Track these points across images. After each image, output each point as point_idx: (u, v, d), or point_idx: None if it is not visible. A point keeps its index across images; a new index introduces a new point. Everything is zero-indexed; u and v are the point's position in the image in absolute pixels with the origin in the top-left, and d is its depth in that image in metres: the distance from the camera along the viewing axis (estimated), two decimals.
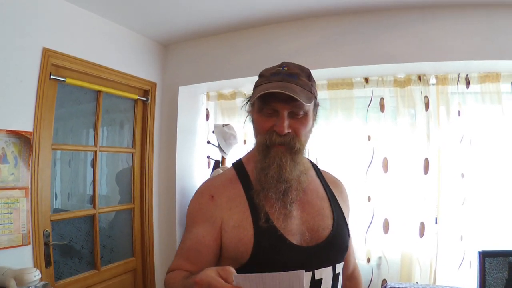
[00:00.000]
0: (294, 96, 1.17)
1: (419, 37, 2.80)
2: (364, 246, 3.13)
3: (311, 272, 1.19)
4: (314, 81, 1.31)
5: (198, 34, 3.49)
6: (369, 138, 3.19)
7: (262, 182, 1.24)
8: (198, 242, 1.24)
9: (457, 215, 2.91)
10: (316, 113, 1.35)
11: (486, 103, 2.89)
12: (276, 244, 1.19)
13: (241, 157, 1.43)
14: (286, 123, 1.20)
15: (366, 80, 3.20)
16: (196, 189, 1.39)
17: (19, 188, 2.43)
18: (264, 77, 1.27)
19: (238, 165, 1.39)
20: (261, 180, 1.24)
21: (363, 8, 2.90)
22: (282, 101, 1.19)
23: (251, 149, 1.38)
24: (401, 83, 3.10)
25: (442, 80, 2.99)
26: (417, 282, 2.92)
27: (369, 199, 3.15)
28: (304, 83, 1.24)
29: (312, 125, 1.33)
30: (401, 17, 2.85)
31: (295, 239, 1.22)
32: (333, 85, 3.29)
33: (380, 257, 3.11)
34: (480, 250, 2.56)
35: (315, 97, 1.30)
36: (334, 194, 1.41)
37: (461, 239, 2.88)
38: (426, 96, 3.02)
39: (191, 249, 1.25)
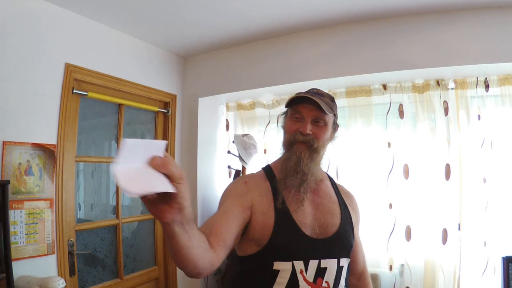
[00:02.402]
0: (317, 100, 1.43)
1: (436, 42, 2.78)
2: (387, 254, 3.10)
3: (317, 261, 1.38)
4: (336, 105, 1.58)
5: (216, 46, 3.55)
6: (389, 145, 3.17)
7: (283, 171, 1.49)
8: (227, 218, 1.36)
9: (480, 220, 2.85)
10: (335, 130, 1.59)
11: (506, 106, 2.84)
12: (291, 233, 1.40)
13: (269, 163, 1.65)
14: (308, 126, 1.46)
15: (384, 86, 3.19)
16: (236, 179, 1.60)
17: (44, 199, 2.52)
18: (298, 94, 1.53)
19: (267, 169, 1.61)
20: (283, 169, 1.49)
21: (378, 15, 2.90)
22: (307, 109, 1.47)
23: (280, 157, 1.60)
24: (420, 89, 3.08)
25: (461, 84, 2.95)
26: None
27: (390, 206, 3.11)
28: (327, 102, 1.49)
29: (330, 138, 1.57)
30: (417, 22, 2.84)
31: (307, 230, 1.42)
32: (351, 92, 3.29)
33: (402, 265, 3.07)
34: (504, 255, 2.51)
35: (335, 115, 1.56)
36: (345, 202, 1.60)
37: (485, 245, 2.81)
38: (445, 101, 2.99)
39: (218, 220, 1.34)
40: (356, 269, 1.66)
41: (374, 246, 3.13)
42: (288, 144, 1.51)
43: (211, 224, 1.32)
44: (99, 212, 3.21)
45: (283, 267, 1.36)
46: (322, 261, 1.39)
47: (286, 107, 1.59)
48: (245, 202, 1.43)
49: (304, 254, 1.38)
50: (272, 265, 1.37)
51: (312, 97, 1.45)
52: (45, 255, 2.48)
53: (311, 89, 1.57)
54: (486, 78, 2.89)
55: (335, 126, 1.59)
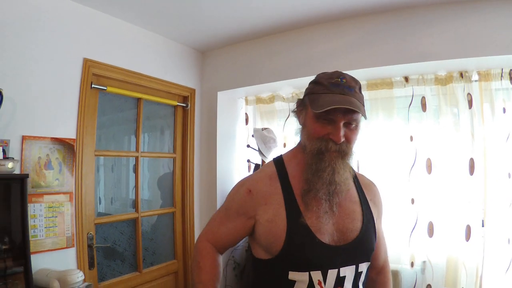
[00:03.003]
0: (357, 111, 1.28)
1: (459, 32, 2.68)
2: (408, 250, 3.04)
3: (336, 270, 1.29)
4: (363, 96, 1.40)
5: (234, 40, 3.53)
6: (411, 138, 3.09)
7: (313, 183, 1.33)
8: (231, 233, 1.45)
9: (505, 217, 2.75)
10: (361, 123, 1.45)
11: None
12: (306, 241, 1.29)
13: (282, 154, 1.52)
14: (342, 133, 1.30)
15: (406, 79, 3.11)
16: (242, 179, 1.53)
17: (64, 193, 2.55)
18: (323, 85, 1.34)
19: (279, 163, 1.47)
20: (313, 181, 1.33)
21: (398, 6, 2.82)
22: (341, 112, 1.28)
23: (293, 148, 1.50)
24: (443, 81, 2.99)
25: (485, 76, 2.85)
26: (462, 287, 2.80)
27: (412, 201, 3.05)
28: (360, 97, 1.34)
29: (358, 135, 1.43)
30: (439, 12, 2.75)
31: (324, 238, 1.30)
32: (372, 85, 3.22)
33: (424, 262, 3.00)
34: None
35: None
36: (366, 198, 1.48)
37: (509, 242, 2.72)
38: (469, 94, 2.89)
39: (224, 236, 1.46)
40: (377, 263, 1.56)
41: (396, 242, 3.07)
42: (318, 153, 1.33)
43: (215, 232, 1.48)
44: (119, 206, 3.24)
45: (299, 278, 1.28)
46: (341, 269, 1.30)
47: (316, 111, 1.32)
48: (247, 213, 1.39)
49: (322, 263, 1.29)
50: (287, 275, 1.29)
51: (352, 107, 1.26)
52: (64, 248, 2.52)
53: (340, 76, 1.34)
54: (510, 70, 2.77)
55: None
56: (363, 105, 1.34)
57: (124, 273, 3.04)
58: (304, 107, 1.41)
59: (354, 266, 1.33)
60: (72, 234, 2.58)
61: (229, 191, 1.53)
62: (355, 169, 2.92)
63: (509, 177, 2.76)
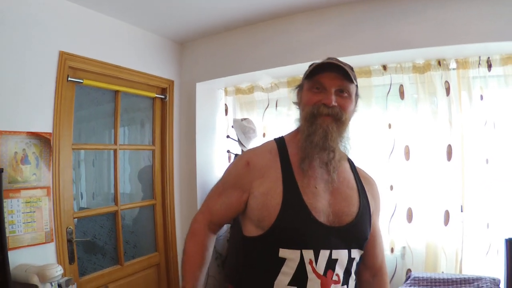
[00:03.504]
0: (343, 67, 1.30)
1: (437, 20, 2.70)
2: (388, 236, 3.07)
3: (329, 251, 1.26)
4: (355, 75, 1.41)
5: (214, 30, 3.50)
6: (389, 126, 3.12)
7: (307, 149, 1.32)
8: (227, 208, 1.43)
9: (483, 202, 2.81)
10: (357, 103, 1.44)
11: (509, 86, 2.77)
12: (300, 216, 1.27)
13: (283, 135, 1.51)
14: (333, 97, 1.31)
15: (384, 67, 3.13)
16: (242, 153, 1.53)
17: (41, 188, 2.50)
18: (315, 63, 1.38)
19: (280, 141, 1.47)
20: (307, 147, 1.32)
21: None
22: (329, 78, 1.32)
23: (294, 130, 1.48)
24: (421, 69, 3.02)
25: (462, 64, 2.88)
26: (442, 272, 2.85)
27: (391, 188, 3.08)
28: (352, 73, 1.36)
29: (353, 111, 1.43)
30: (417, 0, 2.76)
31: (319, 216, 1.28)
32: None
33: (404, 247, 3.04)
34: (508, 237, 2.48)
35: (357, 86, 1.41)
36: (364, 188, 1.46)
37: (488, 226, 2.78)
38: (446, 81, 2.93)
39: (219, 211, 1.45)
40: (374, 264, 1.49)
41: (382, 235, 3.09)
42: (310, 117, 1.33)
43: (211, 207, 1.48)
44: (101, 201, 3.20)
45: (290, 256, 1.24)
46: (334, 251, 1.26)
47: (304, 79, 1.41)
48: (244, 189, 1.37)
49: (315, 242, 1.25)
50: (278, 252, 1.25)
51: (336, 63, 1.32)
52: (43, 243, 2.47)
53: (328, 58, 1.40)
54: (488, 58, 2.80)
55: (357, 97, 1.44)
56: (356, 81, 1.37)
57: (105, 267, 3.02)
58: (300, 89, 1.45)
59: (347, 250, 1.30)
60: (51, 229, 2.54)
61: (227, 167, 1.55)
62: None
63: (487, 162, 2.80)
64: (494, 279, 2.46)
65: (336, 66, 1.32)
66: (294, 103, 1.50)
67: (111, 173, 3.22)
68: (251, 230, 1.36)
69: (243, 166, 1.40)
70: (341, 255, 1.28)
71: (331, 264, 1.25)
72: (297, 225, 1.26)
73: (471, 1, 2.62)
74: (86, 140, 3.01)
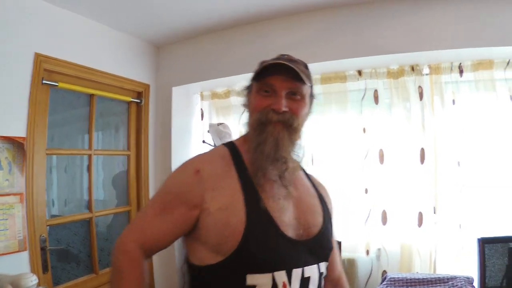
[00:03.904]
0: (293, 67, 1.16)
1: (411, 27, 2.79)
2: (363, 239, 3.12)
3: (301, 269, 1.13)
4: (310, 74, 1.29)
5: (190, 34, 3.48)
6: (364, 130, 3.18)
7: (258, 161, 1.17)
8: (167, 229, 1.17)
9: (455, 203, 2.90)
10: (311, 104, 1.32)
11: (480, 90, 2.88)
12: (269, 233, 1.11)
13: (233, 140, 1.36)
14: (283, 101, 1.18)
15: (359, 72, 3.19)
16: (186, 160, 1.26)
17: (14, 194, 2.42)
18: (264, 61, 1.24)
19: (231, 146, 1.29)
20: (257, 159, 1.17)
21: (353, 1, 2.89)
22: (280, 80, 1.18)
23: (243, 135, 1.34)
24: (395, 75, 3.09)
25: (435, 69, 2.98)
26: (417, 272, 2.91)
27: (366, 191, 3.13)
28: (302, 69, 1.21)
29: (307, 114, 1.30)
30: (391, 7, 2.84)
31: (287, 231, 1.14)
32: (326, 79, 3.27)
33: (379, 249, 3.09)
34: (480, 237, 2.56)
35: (311, 87, 1.28)
36: (322, 195, 1.36)
37: (460, 227, 2.87)
38: (420, 86, 3.01)
39: (156, 234, 1.17)
40: (334, 275, 1.39)
41: (351, 231, 3.15)
42: (259, 125, 1.19)
43: (145, 229, 1.17)
44: (73, 208, 3.12)
45: (261, 281, 1.07)
46: (306, 269, 1.13)
47: (253, 80, 1.26)
48: (192, 201, 1.13)
49: (288, 261, 1.11)
50: (245, 279, 1.07)
51: (287, 63, 1.17)
52: (16, 252, 2.39)
53: (281, 55, 1.27)
54: (460, 64, 2.91)
55: (312, 100, 1.31)
56: (308, 78, 1.24)
57: (80, 275, 2.94)
58: (249, 90, 1.31)
59: (317, 265, 1.18)
60: (24, 237, 2.46)
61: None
62: (309, 164, 3.00)
63: (459, 165, 2.90)
64: (468, 278, 2.53)
65: (286, 67, 1.18)
66: (243, 105, 1.36)
67: (83, 179, 3.14)
68: (204, 257, 1.13)
69: (192, 175, 1.16)
70: (313, 271, 1.16)
71: (305, 283, 1.13)
72: (268, 244, 1.10)
73: (444, 9, 2.73)
74: (59, 145, 2.93)
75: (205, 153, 1.33)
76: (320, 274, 1.19)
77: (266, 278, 1.07)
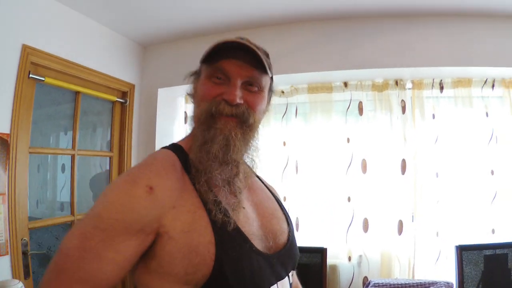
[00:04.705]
0: (256, 51, 0.98)
1: (397, 44, 2.95)
2: (345, 245, 3.21)
3: (275, 285, 0.97)
4: (271, 64, 1.09)
5: (178, 36, 3.43)
6: (348, 140, 3.27)
7: (202, 160, 0.95)
8: (120, 268, 0.85)
9: (433, 212, 3.07)
10: (270, 101, 1.14)
11: (458, 106, 3.09)
12: (243, 250, 0.93)
13: (177, 142, 1.09)
14: (238, 91, 0.98)
15: (346, 84, 3.29)
16: (125, 173, 0.97)
17: None
18: (218, 42, 1.01)
19: (176, 148, 1.04)
20: (202, 158, 0.95)
21: (343, 15, 3.00)
22: (235, 66, 0.98)
23: (188, 134, 1.11)
24: (379, 88, 3.23)
25: (418, 85, 3.15)
26: (396, 278, 3.04)
27: (349, 199, 3.23)
28: (264, 57, 1.02)
29: (265, 111, 1.11)
30: (379, 24, 2.99)
31: (257, 245, 0.97)
32: (313, 88, 3.35)
33: (360, 256, 3.19)
34: (458, 244, 2.73)
35: (272, 79, 1.11)
36: (276, 196, 1.23)
37: (437, 235, 3.04)
38: (402, 100, 3.16)
39: (110, 276, 0.84)
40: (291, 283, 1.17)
41: (334, 238, 3.23)
42: (207, 118, 0.98)
43: (94, 278, 0.83)
44: (45, 209, 2.94)
45: None
46: (279, 284, 0.98)
47: (202, 63, 1.05)
48: (147, 227, 0.86)
49: (265, 281, 0.94)
50: None
51: (246, 44, 0.98)
52: None
53: (237, 37, 1.04)
54: (441, 80, 3.12)
55: (270, 93, 1.13)
56: (269, 68, 1.04)
57: None
58: (197, 76, 1.09)
59: (287, 277, 1.03)
60: (6, 240, 2.29)
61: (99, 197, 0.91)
62: (293, 172, 2.97)
63: (437, 176, 3.08)
64: (448, 283, 2.67)
65: (245, 48, 0.98)
66: (188, 95, 1.14)
67: (58, 179, 2.98)
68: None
69: (144, 194, 0.86)
70: (285, 285, 1.01)
71: None
72: (243, 263, 0.91)
73: (428, 27, 2.92)
74: (41, 143, 2.76)
75: (150, 163, 0.96)
76: (290, 285, 1.05)
77: None
